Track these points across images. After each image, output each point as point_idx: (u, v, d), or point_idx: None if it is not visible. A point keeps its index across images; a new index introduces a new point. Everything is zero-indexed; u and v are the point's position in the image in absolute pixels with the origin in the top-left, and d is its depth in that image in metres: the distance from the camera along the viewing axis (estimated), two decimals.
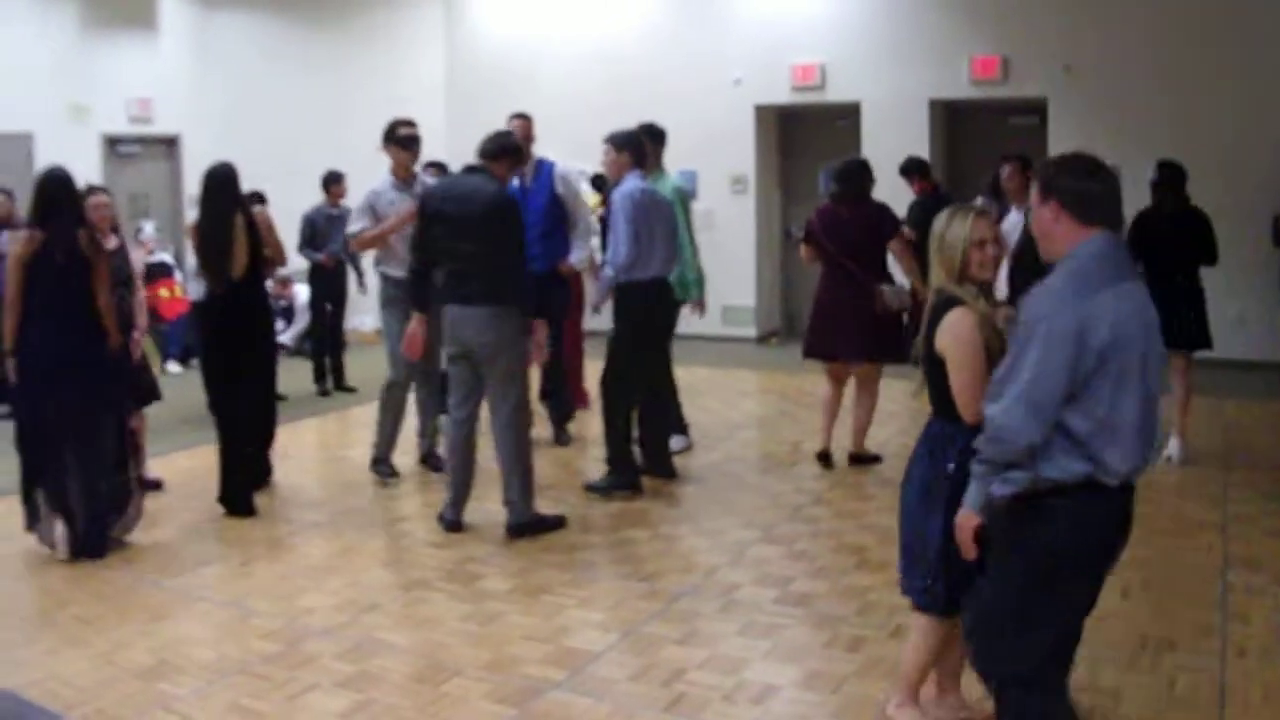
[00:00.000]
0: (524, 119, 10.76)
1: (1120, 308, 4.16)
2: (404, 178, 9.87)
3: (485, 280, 8.23)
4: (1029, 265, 6.75)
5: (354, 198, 11.40)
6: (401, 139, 9.78)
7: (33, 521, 8.45)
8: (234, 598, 7.52)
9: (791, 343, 15.87)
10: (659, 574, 7.69)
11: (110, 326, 8.38)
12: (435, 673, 6.26)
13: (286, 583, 7.74)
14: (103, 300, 8.32)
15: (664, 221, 9.51)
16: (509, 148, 8.63)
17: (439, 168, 12.03)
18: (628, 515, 8.99)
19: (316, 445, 12.11)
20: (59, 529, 8.27)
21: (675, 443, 10.55)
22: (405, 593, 7.51)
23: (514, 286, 8.31)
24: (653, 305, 9.48)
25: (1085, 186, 4.33)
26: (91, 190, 9.56)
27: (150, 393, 9.83)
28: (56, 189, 8.31)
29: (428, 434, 10.31)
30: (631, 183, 9.37)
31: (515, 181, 10.14)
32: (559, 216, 10.49)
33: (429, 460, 10.27)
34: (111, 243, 9.31)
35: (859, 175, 9.94)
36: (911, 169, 14.15)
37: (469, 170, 8.54)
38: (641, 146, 9.64)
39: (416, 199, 9.38)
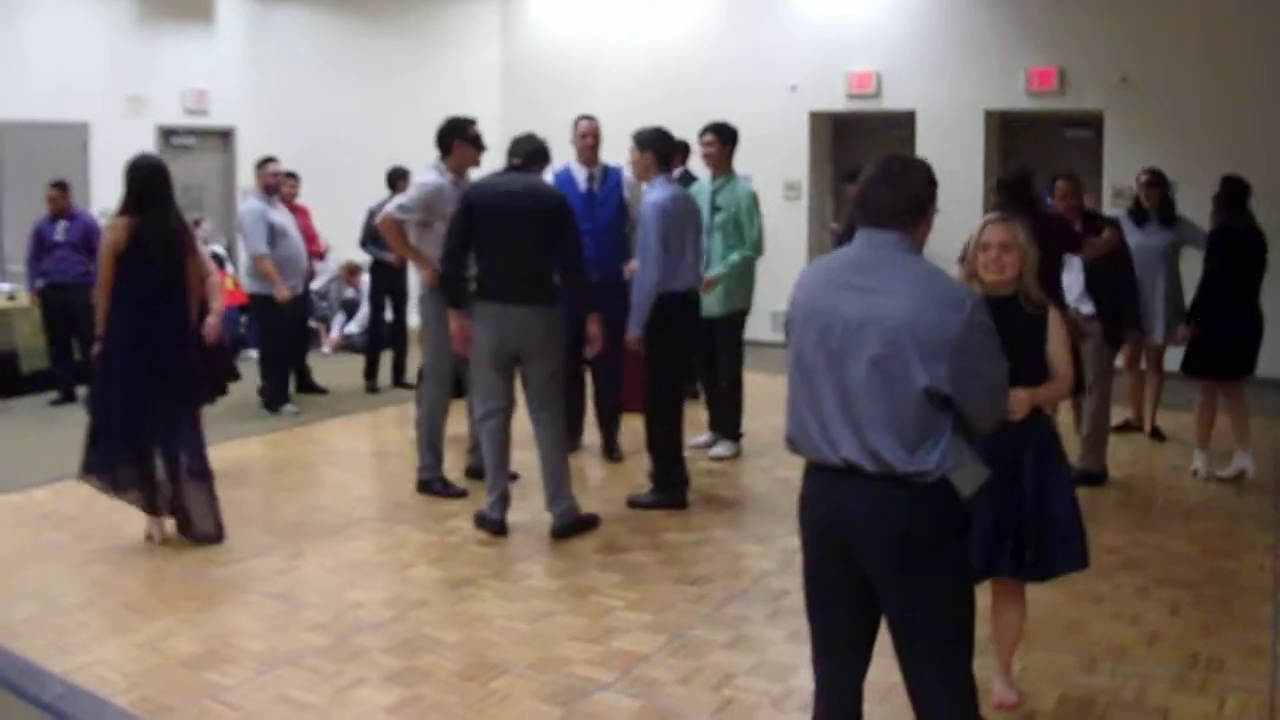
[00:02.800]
0: (592, 120, 10.64)
1: None
2: (463, 176, 9.63)
3: (534, 279, 8.23)
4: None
5: None
6: (474, 137, 9.55)
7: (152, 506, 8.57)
8: (283, 590, 7.54)
9: None
10: (707, 578, 7.67)
11: (193, 312, 8.71)
12: (483, 670, 6.26)
13: (335, 577, 7.77)
14: (194, 287, 8.64)
15: (695, 227, 9.46)
16: (541, 152, 8.62)
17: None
18: (676, 519, 8.97)
19: (366, 441, 12.12)
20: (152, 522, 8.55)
21: (724, 449, 10.59)
22: (453, 590, 7.49)
23: (568, 285, 8.32)
24: (686, 315, 9.40)
25: None
26: None
27: (231, 372, 9.95)
28: (150, 176, 8.45)
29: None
30: (660, 190, 9.21)
31: (584, 185, 10.16)
32: (625, 222, 10.46)
33: (478, 473, 9.88)
34: None
35: (1023, 185, 9.73)
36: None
37: (514, 169, 8.49)
38: (668, 146, 9.48)
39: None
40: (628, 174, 10.50)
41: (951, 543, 4.24)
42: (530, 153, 8.51)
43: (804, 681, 6.01)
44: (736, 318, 10.66)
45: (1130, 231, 10.71)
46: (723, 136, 10.44)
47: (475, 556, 8.15)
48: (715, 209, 10.38)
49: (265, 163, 12.88)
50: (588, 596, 7.34)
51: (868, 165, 4.40)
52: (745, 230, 10.43)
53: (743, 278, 10.61)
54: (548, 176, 10.01)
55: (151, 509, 8.53)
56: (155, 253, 8.31)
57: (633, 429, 11.33)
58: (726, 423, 10.79)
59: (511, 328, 8.25)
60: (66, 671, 6.31)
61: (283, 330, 12.79)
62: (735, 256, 10.37)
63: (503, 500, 8.56)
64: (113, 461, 8.46)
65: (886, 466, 4.08)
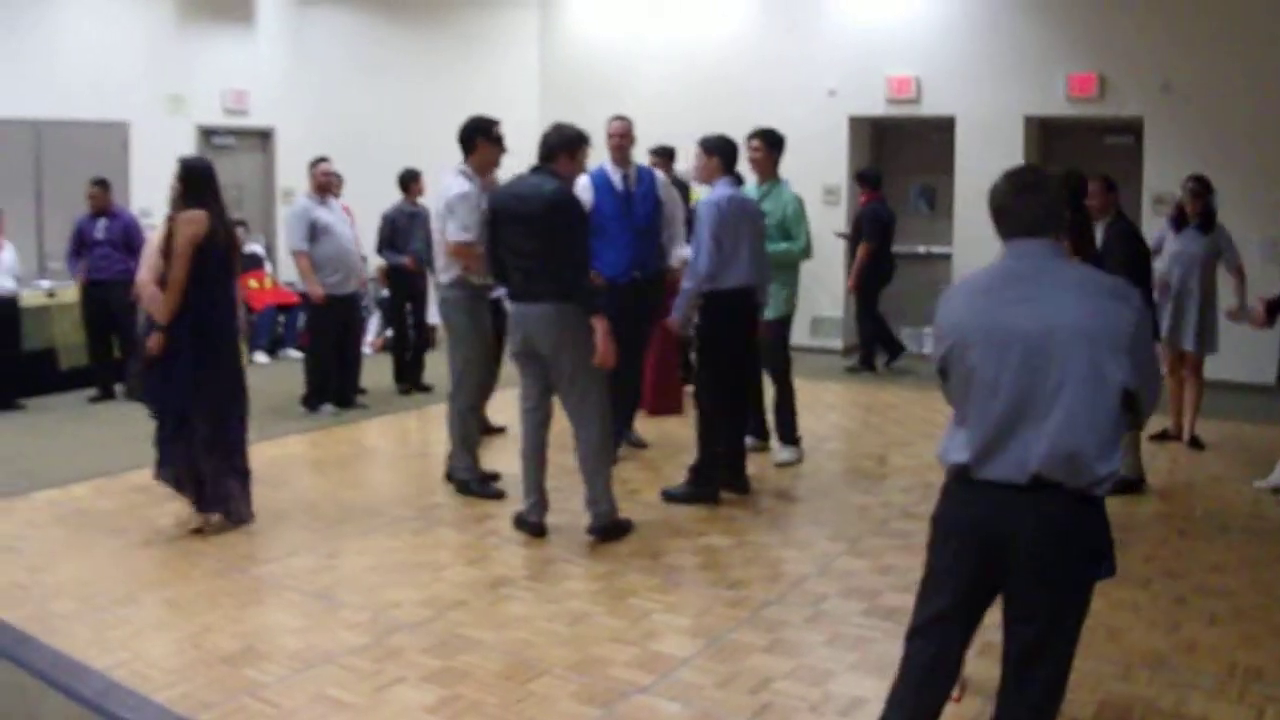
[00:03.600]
0: (624, 120, 10.62)
1: None
2: (487, 177, 9.64)
3: (548, 278, 8.21)
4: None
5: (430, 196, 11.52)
6: (497, 137, 9.53)
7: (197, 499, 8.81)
8: (321, 589, 7.54)
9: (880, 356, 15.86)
10: (745, 582, 7.64)
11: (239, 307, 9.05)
12: (522, 671, 6.24)
13: (373, 576, 7.77)
14: (238, 283, 9.02)
15: (753, 230, 9.47)
16: (563, 141, 8.50)
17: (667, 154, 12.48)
18: (714, 522, 8.95)
19: (404, 442, 12.10)
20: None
21: (787, 454, 10.61)
22: (491, 590, 7.49)
23: (575, 284, 8.28)
24: (736, 315, 9.40)
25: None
26: None
27: None
28: (207, 173, 8.80)
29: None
30: (719, 190, 9.31)
31: (620, 186, 10.15)
32: (662, 221, 10.48)
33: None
34: None
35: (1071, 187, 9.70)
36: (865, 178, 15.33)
37: (532, 170, 8.48)
38: (733, 152, 9.55)
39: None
40: (661, 176, 10.54)
41: (1101, 560, 4.36)
42: (546, 151, 8.48)
43: (842, 686, 6.05)
44: (782, 322, 10.63)
45: (1169, 238, 10.69)
46: (769, 142, 10.42)
47: (513, 557, 8.17)
48: (762, 214, 10.38)
49: (317, 162, 12.90)
50: (626, 599, 7.32)
51: (1001, 177, 4.48)
52: (793, 234, 10.43)
53: (788, 282, 10.59)
54: (583, 177, 10.10)
55: (199, 500, 8.72)
56: (220, 246, 8.61)
57: (665, 432, 11.37)
58: (787, 429, 10.74)
59: (529, 326, 8.29)
60: (106, 667, 6.32)
61: (326, 330, 12.78)
62: (782, 245, 10.36)
63: (541, 503, 8.55)
64: (174, 456, 8.70)
65: (1080, 475, 4.17)
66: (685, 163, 11.02)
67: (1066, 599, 4.31)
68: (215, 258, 8.59)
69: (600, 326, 8.27)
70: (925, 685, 4.60)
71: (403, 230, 13.65)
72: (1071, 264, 4.38)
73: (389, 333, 15.97)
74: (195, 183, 8.70)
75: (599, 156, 10.08)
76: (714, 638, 6.70)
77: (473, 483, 9.65)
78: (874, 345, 15.71)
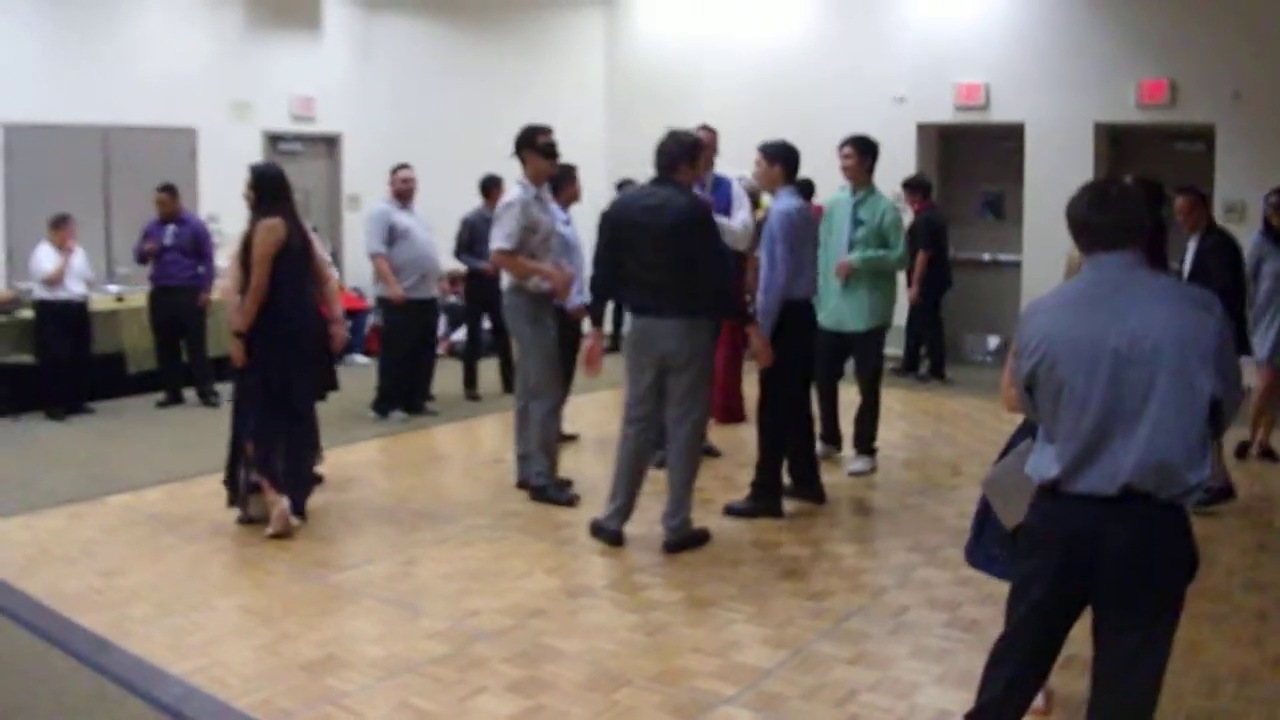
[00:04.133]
0: (710, 131, 10.63)
1: None
2: (541, 184, 9.63)
3: (678, 292, 8.16)
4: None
5: None
6: (542, 146, 9.51)
7: (235, 499, 9.03)
8: (399, 596, 7.51)
9: (947, 364, 15.75)
10: (826, 593, 7.57)
11: (336, 309, 9.26)
12: (605, 681, 6.20)
13: (451, 584, 7.73)
14: (320, 285, 9.13)
15: (812, 240, 9.49)
16: (683, 150, 8.39)
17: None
18: (790, 531, 8.90)
19: (475, 448, 12.06)
20: (284, 503, 8.73)
21: (861, 463, 10.57)
22: (571, 599, 7.45)
23: (712, 296, 8.26)
24: (802, 326, 9.32)
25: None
26: None
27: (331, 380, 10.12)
28: (276, 180, 8.90)
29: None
30: (786, 200, 9.23)
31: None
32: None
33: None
34: None
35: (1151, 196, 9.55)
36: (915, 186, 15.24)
37: (656, 182, 8.37)
38: (795, 159, 9.43)
39: (553, 216, 9.59)
40: (737, 186, 10.47)
41: (1192, 569, 4.39)
42: (668, 161, 8.35)
43: (929, 699, 5.98)
44: (877, 333, 10.60)
45: (1269, 254, 10.51)
46: (861, 149, 10.39)
47: (591, 566, 8.12)
48: (857, 222, 10.35)
49: (398, 169, 12.95)
50: (706, 609, 7.26)
51: (1080, 191, 4.50)
52: (890, 244, 10.38)
53: (886, 292, 10.58)
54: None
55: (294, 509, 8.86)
56: (296, 251, 8.70)
57: (736, 440, 11.30)
58: (867, 438, 10.69)
59: (660, 341, 8.19)
60: (185, 673, 6.31)
61: (401, 334, 12.78)
62: (879, 252, 10.35)
63: (625, 510, 8.51)
64: (270, 463, 8.80)
65: (1170, 484, 4.19)
66: (743, 170, 10.92)
67: (1158, 609, 4.32)
68: (291, 263, 8.66)
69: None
70: (1010, 698, 4.62)
71: (481, 235, 13.51)
72: (1155, 275, 4.38)
73: (454, 336, 15.97)
74: (267, 189, 8.82)
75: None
76: (797, 649, 6.64)
77: (550, 488, 9.60)
78: (941, 352, 15.62)
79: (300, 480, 9.01)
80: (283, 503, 8.69)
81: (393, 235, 12.58)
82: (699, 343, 8.30)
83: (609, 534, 8.45)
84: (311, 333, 8.97)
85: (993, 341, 17.02)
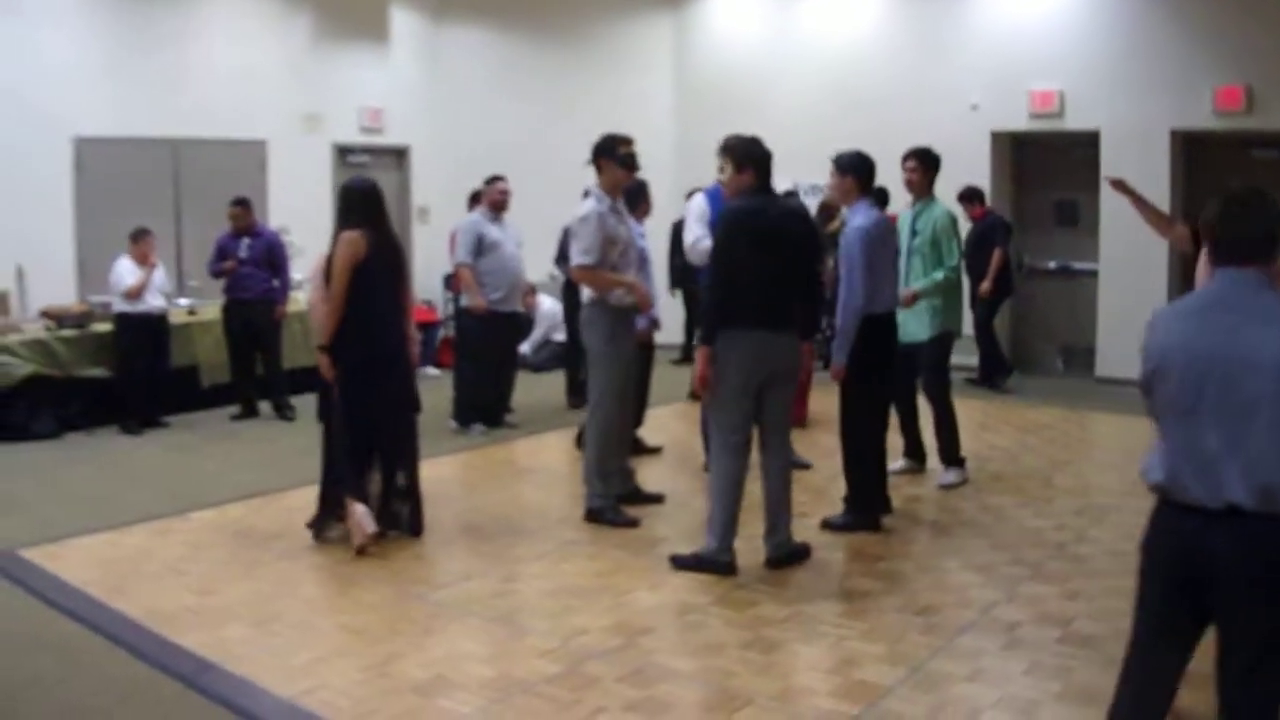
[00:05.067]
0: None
1: None
2: (616, 196, 9.50)
3: (793, 306, 8.11)
4: None
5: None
6: (622, 157, 9.38)
7: (319, 528, 9.03)
8: (502, 614, 7.41)
9: (1019, 374, 15.62)
10: (935, 608, 7.44)
11: (410, 327, 9.07)
12: (726, 701, 6.08)
13: (554, 601, 7.62)
14: (407, 301, 9.03)
15: (891, 253, 9.41)
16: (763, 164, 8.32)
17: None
18: (889, 545, 8.80)
19: (559, 461, 11.85)
20: (359, 511, 8.65)
21: (951, 475, 10.46)
22: (680, 617, 7.33)
23: (815, 310, 8.32)
24: (882, 341, 9.21)
25: None
26: None
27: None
28: (360, 195, 8.88)
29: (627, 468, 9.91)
30: (863, 215, 9.10)
31: None
32: None
33: (638, 495, 9.84)
34: None
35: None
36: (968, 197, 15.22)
37: (766, 191, 8.22)
38: (870, 170, 9.27)
39: (630, 228, 9.48)
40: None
41: None
42: (769, 168, 8.26)
43: (1052, 716, 5.93)
44: (944, 340, 10.45)
45: None
46: (925, 162, 10.28)
47: (692, 582, 7.95)
48: (914, 233, 10.22)
49: (494, 180, 12.93)
50: (817, 625, 7.14)
51: (1214, 202, 4.48)
52: (943, 251, 10.22)
53: (949, 300, 10.43)
54: (698, 194, 10.33)
55: (385, 521, 8.88)
56: (378, 267, 8.65)
57: (823, 450, 11.17)
58: (950, 450, 10.56)
59: (770, 355, 8.02)
60: (293, 696, 6.21)
61: (485, 346, 12.72)
62: (939, 275, 10.15)
63: (731, 539, 8.22)
64: (359, 478, 8.82)
65: (1275, 504, 4.12)
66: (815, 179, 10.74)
67: (1272, 626, 4.24)
68: (370, 277, 8.64)
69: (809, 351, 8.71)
70: (1138, 714, 4.61)
71: None
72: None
73: (522, 349, 15.91)
74: (351, 203, 8.85)
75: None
76: (914, 666, 6.51)
77: (607, 510, 9.40)
78: (1001, 362, 15.50)
79: (397, 496, 9.00)
80: (358, 511, 8.63)
81: (482, 247, 12.52)
82: (800, 358, 8.29)
83: (727, 567, 8.11)
84: (392, 349, 8.86)
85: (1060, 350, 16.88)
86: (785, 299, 8.05)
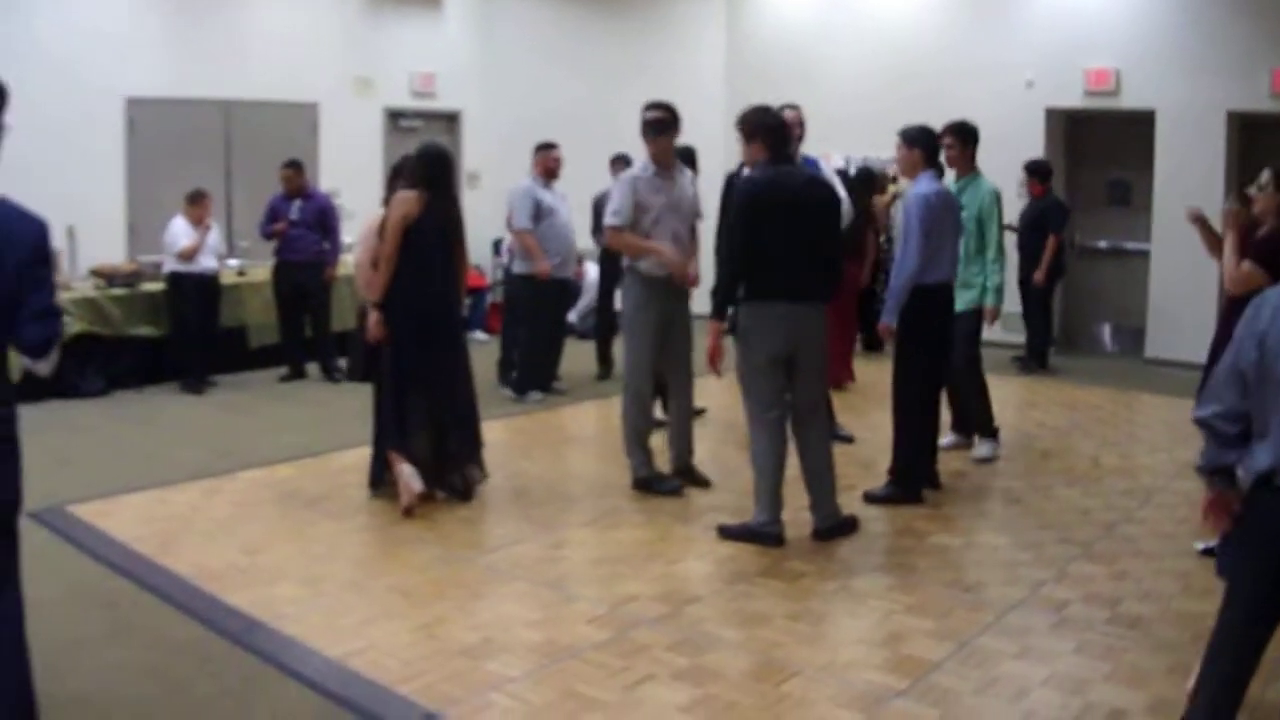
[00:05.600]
0: (796, 110, 10.43)
1: None
2: (665, 165, 9.30)
3: (816, 276, 8.04)
4: None
5: None
6: (643, 123, 9.27)
7: (376, 481, 9.13)
8: (551, 579, 7.42)
9: (1067, 354, 15.56)
10: (983, 584, 7.43)
11: (461, 291, 9.22)
12: (773, 671, 6.07)
13: (603, 568, 7.64)
14: (461, 266, 9.07)
15: (954, 224, 9.34)
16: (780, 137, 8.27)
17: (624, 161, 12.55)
18: (939, 520, 8.75)
19: (606, 429, 11.68)
20: (406, 471, 8.69)
21: (984, 448, 10.41)
22: (728, 586, 7.32)
23: (838, 277, 8.24)
24: (938, 311, 9.22)
25: None
26: None
27: None
28: (439, 160, 9.05)
29: (682, 443, 9.75)
30: (925, 184, 9.10)
31: None
32: None
33: (689, 474, 9.66)
34: None
35: None
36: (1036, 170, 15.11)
37: (785, 160, 8.20)
38: (935, 143, 9.35)
39: (684, 189, 9.32)
40: (825, 165, 10.47)
41: None
42: (783, 142, 8.22)
43: (1101, 696, 5.84)
44: (978, 314, 10.33)
45: None
46: (963, 137, 10.16)
47: (741, 551, 7.95)
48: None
49: (545, 147, 12.94)
50: (865, 599, 7.13)
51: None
52: (987, 232, 10.15)
53: (981, 273, 10.26)
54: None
55: (433, 482, 8.91)
56: (430, 229, 8.71)
57: (871, 424, 11.13)
58: (981, 422, 10.54)
59: (798, 325, 8.00)
60: (341, 656, 6.23)
61: (543, 312, 12.75)
62: (997, 279, 10.18)
63: (779, 511, 8.19)
64: (404, 437, 8.84)
65: None
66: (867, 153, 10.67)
67: None
68: (421, 239, 8.70)
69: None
70: (1224, 696, 4.61)
71: None
72: None
73: (568, 318, 15.91)
74: (415, 168, 8.97)
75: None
76: (962, 642, 6.49)
77: (653, 480, 9.39)
78: (1049, 341, 15.42)
79: (449, 459, 9.01)
80: (405, 471, 8.68)
81: (538, 213, 12.53)
82: (825, 326, 8.24)
83: (772, 538, 8.09)
84: (441, 312, 8.92)
85: (1114, 329, 16.78)
86: (809, 269, 8.00)
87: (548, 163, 12.81)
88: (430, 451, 8.89)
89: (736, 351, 8.15)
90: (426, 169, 8.88)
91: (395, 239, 8.65)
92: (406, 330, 8.74)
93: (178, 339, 13.26)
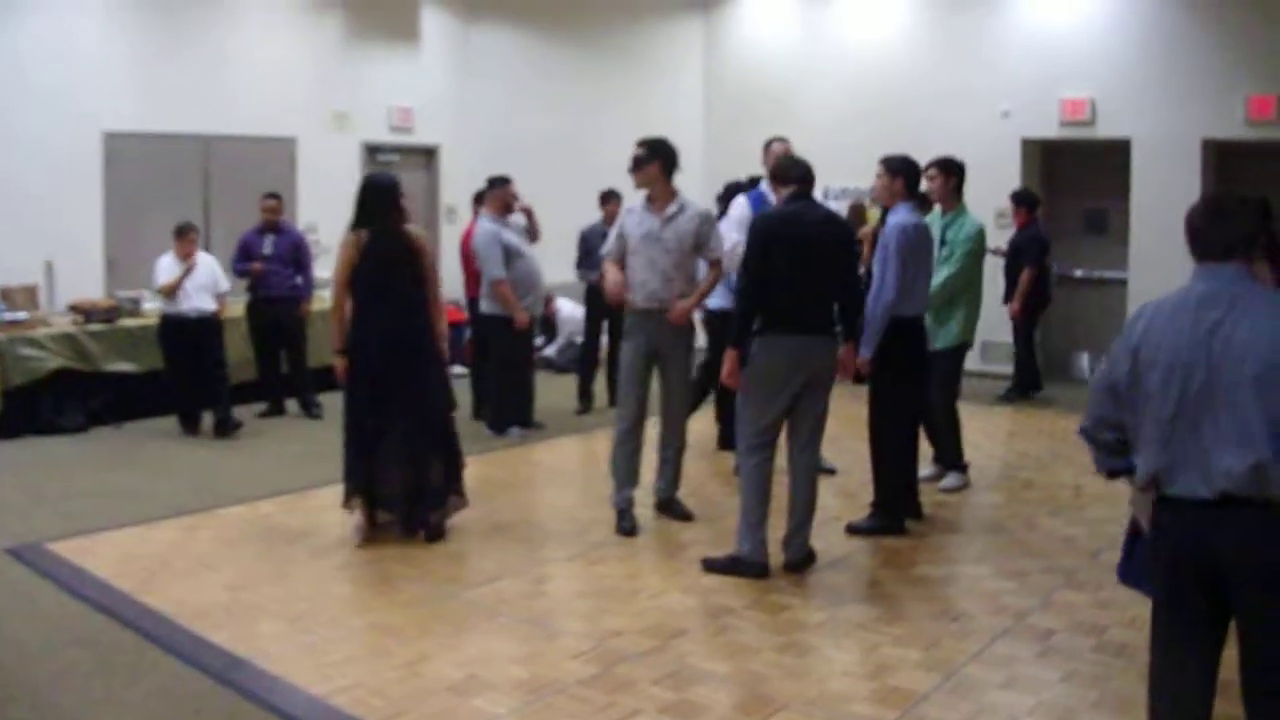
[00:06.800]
0: (785, 142, 10.52)
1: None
2: (654, 198, 9.19)
3: (827, 309, 8.12)
4: None
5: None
6: (633, 158, 9.21)
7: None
8: (535, 615, 7.39)
9: (1048, 382, 15.56)
10: (969, 614, 7.42)
11: (435, 319, 8.96)
12: (761, 705, 6.04)
13: (587, 602, 7.61)
14: (430, 296, 8.88)
15: (928, 257, 9.39)
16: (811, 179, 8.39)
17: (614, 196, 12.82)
18: (923, 551, 8.77)
19: (586, 463, 11.89)
20: (356, 518, 8.82)
21: (951, 479, 10.42)
22: (712, 620, 7.29)
23: (858, 312, 8.42)
24: (914, 343, 9.24)
25: None
26: None
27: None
28: (378, 190, 8.84)
29: (667, 476, 9.67)
30: (904, 214, 9.12)
31: None
32: None
33: (671, 508, 9.62)
34: None
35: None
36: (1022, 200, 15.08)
37: (803, 198, 8.24)
38: (918, 174, 9.39)
39: (677, 224, 9.15)
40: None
41: None
42: (810, 179, 8.31)
43: None
44: (959, 351, 10.36)
45: None
46: (945, 170, 10.20)
47: (725, 585, 7.92)
48: (943, 243, 10.13)
49: (500, 182, 12.70)
50: (852, 631, 7.11)
51: (1198, 202, 4.65)
52: (972, 269, 10.20)
53: (968, 311, 10.31)
54: (741, 198, 10.44)
55: (411, 524, 8.87)
56: (377, 267, 8.64)
57: (850, 452, 11.13)
58: (947, 454, 10.54)
59: (807, 358, 8.01)
60: (325, 694, 6.19)
61: (514, 351, 12.65)
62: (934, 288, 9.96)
63: (764, 541, 8.17)
64: (366, 480, 8.83)
65: (1269, 487, 4.19)
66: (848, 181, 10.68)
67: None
68: (374, 278, 8.67)
69: (851, 350, 8.54)
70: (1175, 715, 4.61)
71: (597, 248, 13.45)
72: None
73: (547, 353, 15.90)
74: (361, 200, 8.87)
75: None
76: (949, 672, 6.48)
77: (621, 511, 9.31)
78: (1033, 371, 15.44)
79: (411, 497, 8.90)
80: (356, 517, 8.80)
81: (507, 255, 12.30)
82: (835, 360, 8.25)
83: (756, 568, 8.08)
84: (399, 347, 8.75)
85: (1090, 359, 16.80)
86: (822, 303, 8.08)
87: (505, 198, 12.61)
88: (409, 486, 8.83)
89: (743, 377, 8.12)
90: (360, 206, 8.80)
91: (339, 288, 8.70)
92: (364, 371, 8.72)
93: (168, 380, 13.09)
